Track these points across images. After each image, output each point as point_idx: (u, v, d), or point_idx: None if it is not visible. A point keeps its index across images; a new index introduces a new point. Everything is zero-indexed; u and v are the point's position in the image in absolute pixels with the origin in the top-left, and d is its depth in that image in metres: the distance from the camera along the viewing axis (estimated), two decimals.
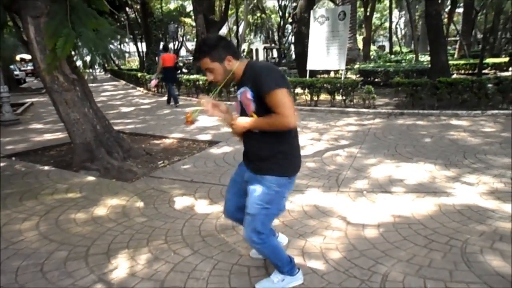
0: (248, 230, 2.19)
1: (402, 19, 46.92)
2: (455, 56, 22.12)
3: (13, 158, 5.89)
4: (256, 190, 2.13)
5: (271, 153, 2.09)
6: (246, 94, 2.02)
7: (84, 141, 5.37)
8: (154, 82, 12.38)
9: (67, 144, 6.34)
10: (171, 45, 28.64)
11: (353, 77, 14.50)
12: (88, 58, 4.86)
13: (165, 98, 12.01)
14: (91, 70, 5.50)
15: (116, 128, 6.41)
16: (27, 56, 29.27)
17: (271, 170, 2.10)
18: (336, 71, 15.50)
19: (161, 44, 23.04)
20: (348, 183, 4.32)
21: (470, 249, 2.79)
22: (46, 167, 5.32)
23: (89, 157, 5.33)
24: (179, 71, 12.05)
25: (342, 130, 7.14)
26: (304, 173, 4.70)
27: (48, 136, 7.51)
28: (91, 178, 4.81)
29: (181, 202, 3.96)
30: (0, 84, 9.22)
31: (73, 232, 3.32)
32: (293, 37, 16.59)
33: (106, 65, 4.96)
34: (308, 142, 6.25)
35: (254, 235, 2.18)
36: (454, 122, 7.34)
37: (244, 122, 2.06)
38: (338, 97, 9.70)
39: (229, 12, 23.84)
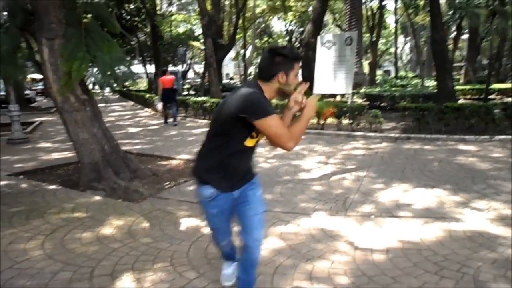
0: (261, 230, 2.27)
1: (408, 45, 47.46)
2: (461, 81, 22.21)
3: (21, 177, 5.92)
4: (259, 191, 2.30)
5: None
6: None
7: (92, 160, 5.40)
8: (160, 106, 12.53)
9: (75, 163, 6.37)
10: (179, 67, 29.11)
11: (359, 101, 14.58)
12: (100, 80, 4.95)
13: (171, 119, 12.20)
14: (102, 91, 5.61)
15: (123, 148, 6.45)
16: (38, 76, 29.85)
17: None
18: (343, 95, 15.61)
19: (169, 67, 23.43)
20: (355, 207, 4.28)
21: (482, 277, 2.72)
22: (53, 186, 5.34)
23: (96, 176, 5.35)
24: (176, 92, 12.78)
25: (349, 153, 7.13)
26: (311, 197, 4.67)
27: (56, 155, 7.56)
28: (97, 198, 4.81)
29: (187, 223, 3.93)
30: (10, 103, 9.36)
31: (78, 252, 3.30)
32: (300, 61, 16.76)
33: (116, 86, 5.05)
34: (315, 166, 6.23)
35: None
36: (461, 147, 7.30)
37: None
38: (345, 121, 9.73)
39: (237, 36, 24.27)
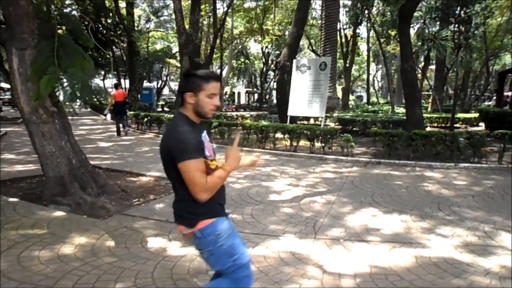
0: None
1: (379, 72, 49.10)
2: (429, 109, 23.08)
3: None
4: None
5: None
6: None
7: (57, 174, 5.21)
8: (109, 117, 13.98)
9: (39, 176, 6.13)
10: (154, 83, 28.95)
11: (332, 124, 14.86)
12: (70, 95, 4.84)
13: (146, 135, 12.22)
14: (71, 105, 5.47)
15: (92, 162, 6.26)
16: (5, 85, 28.92)
17: None
18: (316, 118, 15.90)
19: (145, 83, 23.26)
20: (325, 230, 4.29)
21: None
22: (13, 199, 5.09)
23: (61, 191, 5.15)
24: (127, 105, 14.34)
25: (321, 176, 7.19)
26: (281, 219, 4.66)
27: (19, 167, 7.26)
28: (60, 213, 4.62)
29: (154, 242, 3.82)
30: None
31: (35, 271, 3.13)
32: (275, 84, 17.03)
33: (86, 101, 4.98)
34: (286, 188, 6.24)
35: None
36: (428, 173, 7.51)
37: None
38: (318, 144, 9.86)
39: (214, 55, 24.43)
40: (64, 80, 4.67)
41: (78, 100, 5.04)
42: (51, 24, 5.07)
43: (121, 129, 13.18)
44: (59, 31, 5.12)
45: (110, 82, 22.84)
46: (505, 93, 20.25)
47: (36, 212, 4.61)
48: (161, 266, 3.30)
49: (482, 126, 14.80)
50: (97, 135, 13.76)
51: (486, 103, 28.50)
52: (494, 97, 22.46)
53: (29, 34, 5.03)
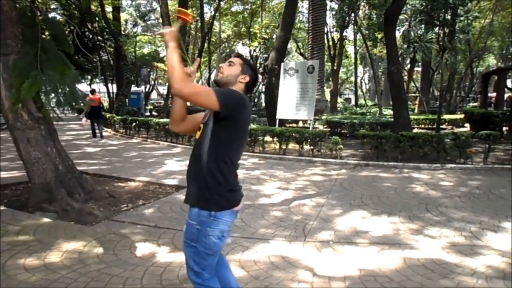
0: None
1: (367, 75, 49.56)
2: (415, 111, 23.36)
3: None
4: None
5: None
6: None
7: (43, 181, 5.13)
8: (84, 121, 15.37)
9: (25, 183, 6.03)
10: (142, 88, 28.74)
11: (321, 127, 14.93)
12: (54, 100, 4.80)
13: (135, 140, 12.18)
14: (55, 110, 5.41)
15: (79, 168, 6.18)
16: None
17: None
18: (305, 121, 15.96)
19: (132, 87, 23.10)
20: (314, 233, 4.30)
21: None
22: None
23: (47, 197, 5.07)
24: (102, 109, 15.22)
25: (310, 179, 7.22)
26: (271, 222, 4.66)
27: (3, 174, 7.12)
28: (47, 220, 4.55)
29: (143, 248, 3.78)
30: None
31: (20, 279, 3.08)
32: (264, 87, 17.08)
33: (72, 106, 4.92)
34: (275, 191, 6.25)
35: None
36: (416, 174, 7.60)
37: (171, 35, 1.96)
38: (306, 147, 9.90)
39: (202, 59, 24.38)
40: (47, 86, 4.60)
41: (62, 106, 4.97)
42: (35, 29, 5.01)
43: (97, 131, 14.08)
44: (43, 36, 5.06)
45: (97, 86, 22.56)
46: (489, 94, 20.60)
47: (22, 219, 4.53)
48: (150, 272, 3.27)
49: (467, 127, 15.03)
50: (84, 140, 13.61)
51: (471, 104, 28.96)
52: (479, 98, 22.86)
53: (13, 39, 4.95)
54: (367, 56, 29.90)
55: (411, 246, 3.91)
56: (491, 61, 40.41)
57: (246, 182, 6.73)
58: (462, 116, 16.51)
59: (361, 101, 37.07)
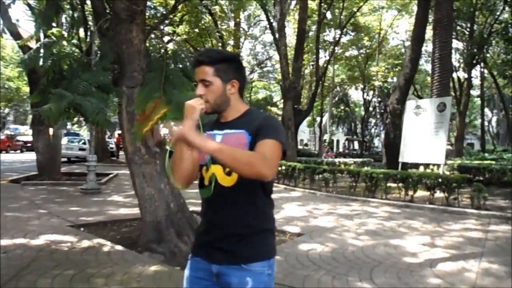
0: None
1: (494, 118, 44.23)
2: None
3: (82, 229, 5.55)
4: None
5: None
6: (241, 138, 1.53)
7: (154, 219, 4.85)
8: None
9: (139, 219, 5.91)
10: None
11: (448, 173, 12.96)
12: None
13: None
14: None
15: (191, 208, 5.87)
16: None
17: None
18: (427, 165, 14.13)
19: None
20: None
21: None
22: (109, 244, 4.81)
23: (156, 237, 4.75)
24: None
25: (461, 235, 5.84)
26: None
27: (124, 210, 7.20)
28: (153, 266, 4.13)
29: None
30: (90, 153, 9.54)
31: None
32: (383, 129, 15.87)
33: None
34: (420, 248, 5.07)
35: None
36: None
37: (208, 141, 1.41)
38: (437, 194, 8.43)
39: (315, 103, 24.08)
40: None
41: None
42: (161, 60, 4.95)
43: None
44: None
45: None
46: None
47: (130, 261, 4.20)
48: None
49: None
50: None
51: None
52: None
53: (139, 72, 4.94)
54: (494, 97, 26.37)
55: None
56: None
57: (379, 234, 5.67)
58: None
59: (489, 146, 32.59)
